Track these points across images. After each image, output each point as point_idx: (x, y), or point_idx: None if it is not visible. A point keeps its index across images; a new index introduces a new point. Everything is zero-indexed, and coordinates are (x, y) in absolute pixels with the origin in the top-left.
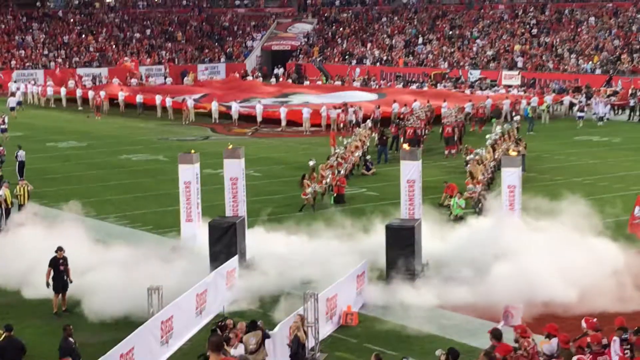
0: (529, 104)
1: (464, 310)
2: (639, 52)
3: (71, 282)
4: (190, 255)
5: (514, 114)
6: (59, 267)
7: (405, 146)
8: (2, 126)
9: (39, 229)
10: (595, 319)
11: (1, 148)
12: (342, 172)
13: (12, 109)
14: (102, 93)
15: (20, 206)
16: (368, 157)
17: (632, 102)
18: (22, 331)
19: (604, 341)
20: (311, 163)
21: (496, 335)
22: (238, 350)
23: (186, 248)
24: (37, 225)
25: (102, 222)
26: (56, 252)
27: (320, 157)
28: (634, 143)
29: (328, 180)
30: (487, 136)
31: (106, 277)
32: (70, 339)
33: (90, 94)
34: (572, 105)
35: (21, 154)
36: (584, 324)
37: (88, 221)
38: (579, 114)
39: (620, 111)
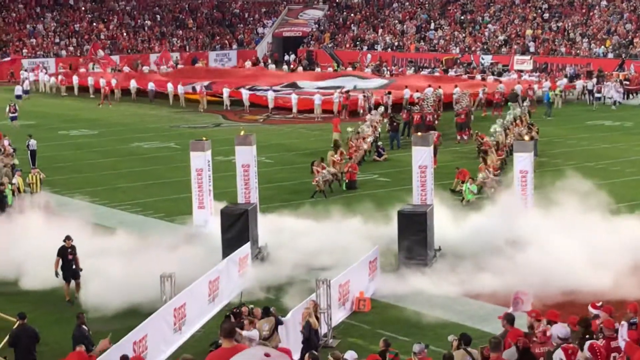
0: (540, 88)
1: (477, 296)
2: None
3: (81, 270)
4: (203, 241)
5: (527, 99)
6: (67, 256)
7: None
8: (12, 114)
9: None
10: (601, 303)
11: (5, 139)
12: (353, 158)
13: (18, 97)
14: (114, 81)
15: (33, 194)
16: (380, 143)
17: None
18: (35, 319)
19: (616, 325)
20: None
21: (509, 319)
22: (251, 333)
23: (200, 235)
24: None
25: (114, 210)
26: (64, 241)
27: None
28: None
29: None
30: (497, 123)
31: (118, 264)
32: (84, 327)
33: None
34: (584, 89)
35: (32, 143)
36: (591, 309)
37: (100, 209)
38: (596, 95)
39: (632, 95)
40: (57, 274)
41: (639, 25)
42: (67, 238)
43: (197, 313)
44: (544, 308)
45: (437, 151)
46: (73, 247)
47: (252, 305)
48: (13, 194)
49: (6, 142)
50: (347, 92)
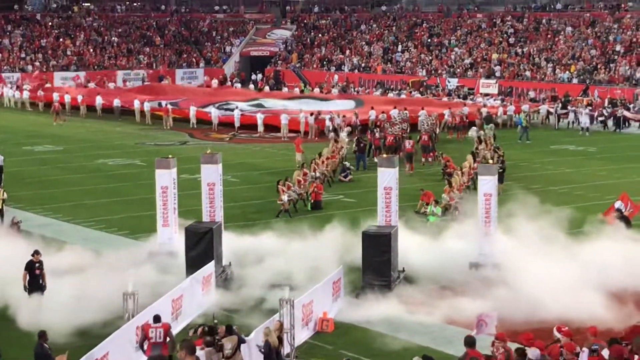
0: (505, 112)
1: (440, 318)
2: (615, 62)
3: (45, 287)
4: (166, 260)
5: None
6: (34, 271)
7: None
8: None
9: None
10: (566, 327)
11: None
12: (319, 177)
13: None
14: (79, 97)
15: None
16: (346, 163)
17: (605, 112)
18: None
19: (577, 349)
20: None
21: (469, 342)
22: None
23: (163, 253)
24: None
25: (78, 227)
26: (32, 255)
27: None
28: (609, 152)
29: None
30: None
31: (81, 282)
32: (46, 345)
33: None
34: (549, 113)
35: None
36: (556, 332)
37: (63, 225)
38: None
39: (595, 121)
40: (25, 288)
41: (603, 51)
42: (36, 252)
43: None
44: (509, 332)
45: (412, 158)
46: (40, 262)
47: (215, 321)
48: None
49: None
50: (319, 112)
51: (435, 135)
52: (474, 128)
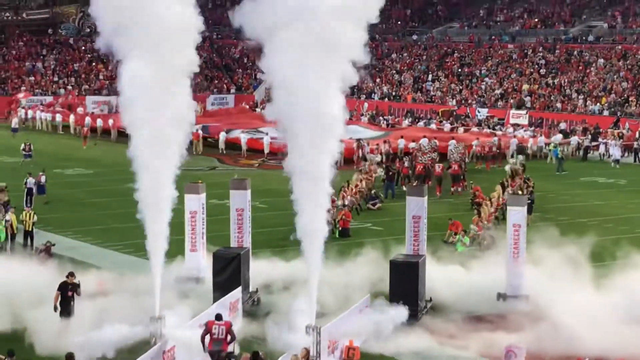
0: (535, 143)
1: (467, 349)
2: None
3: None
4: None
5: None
6: (67, 293)
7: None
8: (26, 153)
9: None
10: (587, 359)
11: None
12: (347, 205)
13: (14, 130)
14: (111, 121)
15: (26, 232)
16: (374, 191)
17: (635, 145)
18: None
19: None
20: None
21: None
22: None
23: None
24: None
25: (107, 250)
26: (67, 277)
27: None
28: (639, 185)
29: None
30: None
31: (109, 306)
32: None
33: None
34: (579, 146)
35: (30, 181)
36: None
37: (92, 248)
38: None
39: (627, 153)
40: (55, 308)
41: (635, 83)
42: (70, 275)
43: (186, 357)
44: None
45: (441, 181)
46: (74, 285)
47: (238, 351)
48: (6, 231)
49: (31, 179)
50: (359, 140)
51: (465, 165)
52: (512, 160)
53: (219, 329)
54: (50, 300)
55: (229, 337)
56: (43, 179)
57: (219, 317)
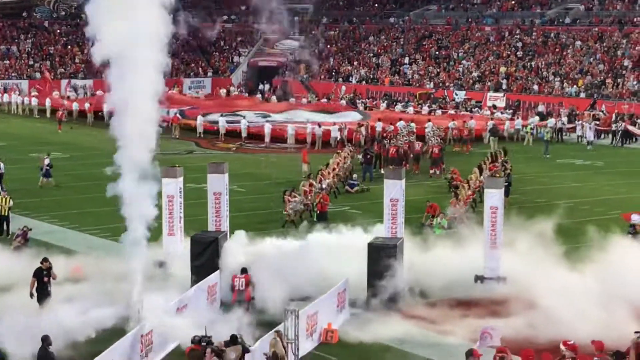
0: (512, 126)
1: (444, 331)
2: (623, 77)
3: (50, 294)
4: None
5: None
6: (42, 278)
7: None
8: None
9: None
10: (572, 341)
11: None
12: (325, 188)
13: None
14: (87, 105)
15: (2, 217)
16: (355, 175)
17: (614, 127)
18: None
19: None
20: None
21: (467, 354)
22: None
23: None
24: None
25: (84, 234)
26: (41, 262)
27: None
28: (615, 167)
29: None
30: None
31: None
32: (49, 349)
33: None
34: (559, 130)
35: (1, 166)
36: (562, 347)
37: (69, 232)
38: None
39: (603, 135)
40: (31, 295)
41: (612, 66)
42: (44, 260)
43: (164, 340)
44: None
45: (419, 159)
46: (49, 269)
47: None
48: None
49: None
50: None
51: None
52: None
53: (239, 281)
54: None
55: (250, 288)
56: (47, 161)
57: (243, 270)
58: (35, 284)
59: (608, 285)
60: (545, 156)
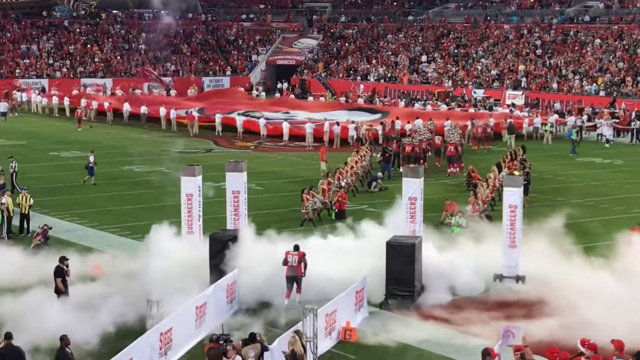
0: (531, 124)
1: (464, 330)
2: None
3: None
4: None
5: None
6: (64, 277)
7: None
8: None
9: None
10: (591, 340)
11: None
12: (343, 186)
13: (3, 114)
14: (106, 104)
15: (22, 215)
16: (379, 174)
17: (634, 125)
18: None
19: None
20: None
21: (484, 353)
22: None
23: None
24: None
25: (103, 233)
26: (60, 261)
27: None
28: (635, 165)
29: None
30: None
31: (106, 288)
32: (67, 349)
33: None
34: (578, 127)
35: (14, 165)
36: (580, 346)
37: (89, 231)
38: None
39: (623, 133)
40: (60, 293)
41: (631, 64)
42: (63, 258)
43: (184, 338)
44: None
45: (441, 153)
46: (67, 267)
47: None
48: (2, 214)
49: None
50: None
51: (462, 146)
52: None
53: (292, 257)
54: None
55: (302, 265)
56: (92, 158)
57: (296, 247)
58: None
59: (624, 284)
60: (571, 155)
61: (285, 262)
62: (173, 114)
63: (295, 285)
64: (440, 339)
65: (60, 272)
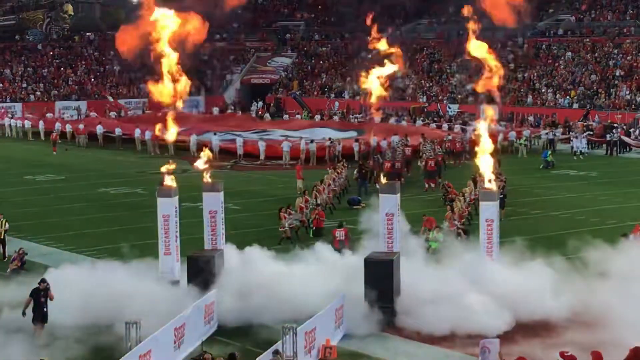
0: (506, 138)
1: (443, 344)
2: (615, 87)
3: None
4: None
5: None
6: (39, 299)
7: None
8: None
9: None
10: (569, 352)
11: None
12: (320, 204)
13: None
14: (81, 126)
15: None
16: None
17: (608, 137)
18: None
19: None
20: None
21: None
22: None
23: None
24: None
25: (80, 256)
26: (39, 283)
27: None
28: (610, 177)
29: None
30: None
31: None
32: None
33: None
34: (550, 140)
35: None
36: (559, 358)
37: (65, 254)
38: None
39: (597, 145)
40: (23, 314)
41: (604, 76)
42: (42, 281)
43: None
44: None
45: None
46: (46, 290)
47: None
48: None
49: None
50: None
51: (443, 161)
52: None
53: (340, 233)
54: None
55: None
56: None
57: (340, 225)
58: (32, 304)
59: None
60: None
61: (333, 237)
62: (148, 135)
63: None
64: (420, 353)
65: (36, 294)
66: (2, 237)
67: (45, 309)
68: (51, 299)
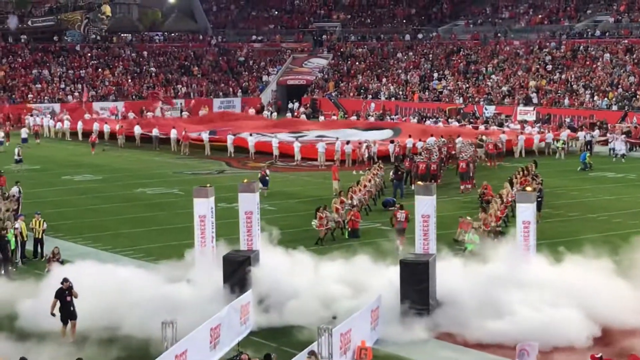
0: (542, 140)
1: (479, 347)
2: None
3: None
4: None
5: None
6: (65, 298)
7: (419, 182)
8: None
9: None
10: (600, 354)
11: (16, 186)
12: (356, 205)
13: (24, 140)
14: (118, 127)
15: (36, 240)
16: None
17: None
18: None
19: None
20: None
21: None
22: None
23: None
24: None
25: (117, 256)
26: (62, 283)
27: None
28: None
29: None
30: None
31: (122, 309)
32: None
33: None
34: (588, 142)
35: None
36: None
37: (102, 254)
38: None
39: (635, 147)
40: (53, 314)
41: None
42: (65, 280)
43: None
44: None
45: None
46: (70, 289)
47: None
48: (16, 239)
49: (15, 188)
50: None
51: (474, 164)
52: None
53: (400, 214)
54: None
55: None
56: (267, 172)
57: (401, 207)
58: (58, 304)
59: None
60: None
61: (395, 217)
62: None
63: (400, 236)
64: (456, 356)
65: (60, 294)
66: (40, 236)
67: (72, 308)
68: (75, 297)
